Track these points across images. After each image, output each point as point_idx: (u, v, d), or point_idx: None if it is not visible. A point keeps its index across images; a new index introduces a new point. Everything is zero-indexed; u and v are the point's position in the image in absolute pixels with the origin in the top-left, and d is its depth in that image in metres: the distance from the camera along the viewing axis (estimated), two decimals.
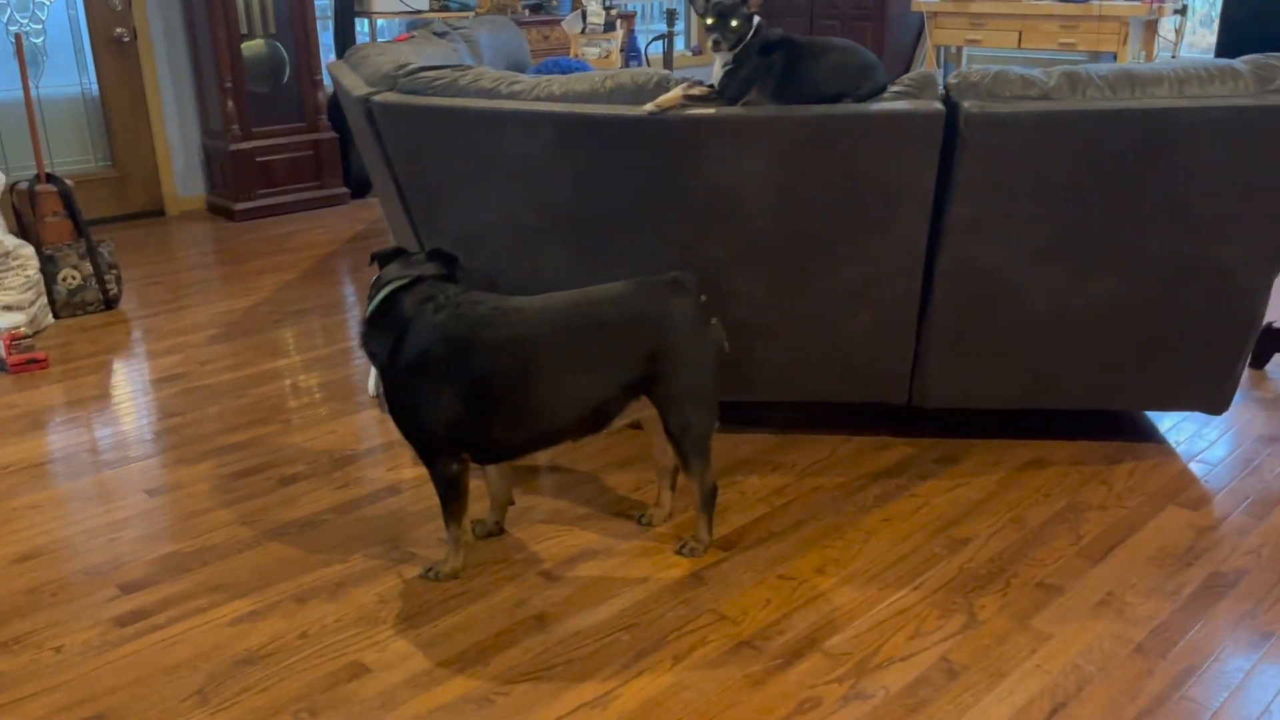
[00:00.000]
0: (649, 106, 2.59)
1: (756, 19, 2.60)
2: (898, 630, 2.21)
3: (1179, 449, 3.01)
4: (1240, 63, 2.56)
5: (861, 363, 2.92)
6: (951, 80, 2.60)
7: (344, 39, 6.14)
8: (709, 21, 2.56)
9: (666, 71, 2.72)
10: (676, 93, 2.60)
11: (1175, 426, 3.14)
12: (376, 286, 2.33)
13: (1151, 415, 3.21)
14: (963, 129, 2.53)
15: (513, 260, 3.04)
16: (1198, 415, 3.17)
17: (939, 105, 2.54)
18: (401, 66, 3.07)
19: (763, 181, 2.63)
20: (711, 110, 2.57)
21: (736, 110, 2.58)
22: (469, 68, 3.00)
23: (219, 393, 3.50)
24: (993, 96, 2.54)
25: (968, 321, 2.80)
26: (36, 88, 5.51)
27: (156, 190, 5.95)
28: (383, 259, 2.38)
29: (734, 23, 2.54)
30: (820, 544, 2.54)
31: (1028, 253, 2.66)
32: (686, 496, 2.58)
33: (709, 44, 2.58)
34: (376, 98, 3.02)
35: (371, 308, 2.31)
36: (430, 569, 2.42)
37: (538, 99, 2.79)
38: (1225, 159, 2.51)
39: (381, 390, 2.90)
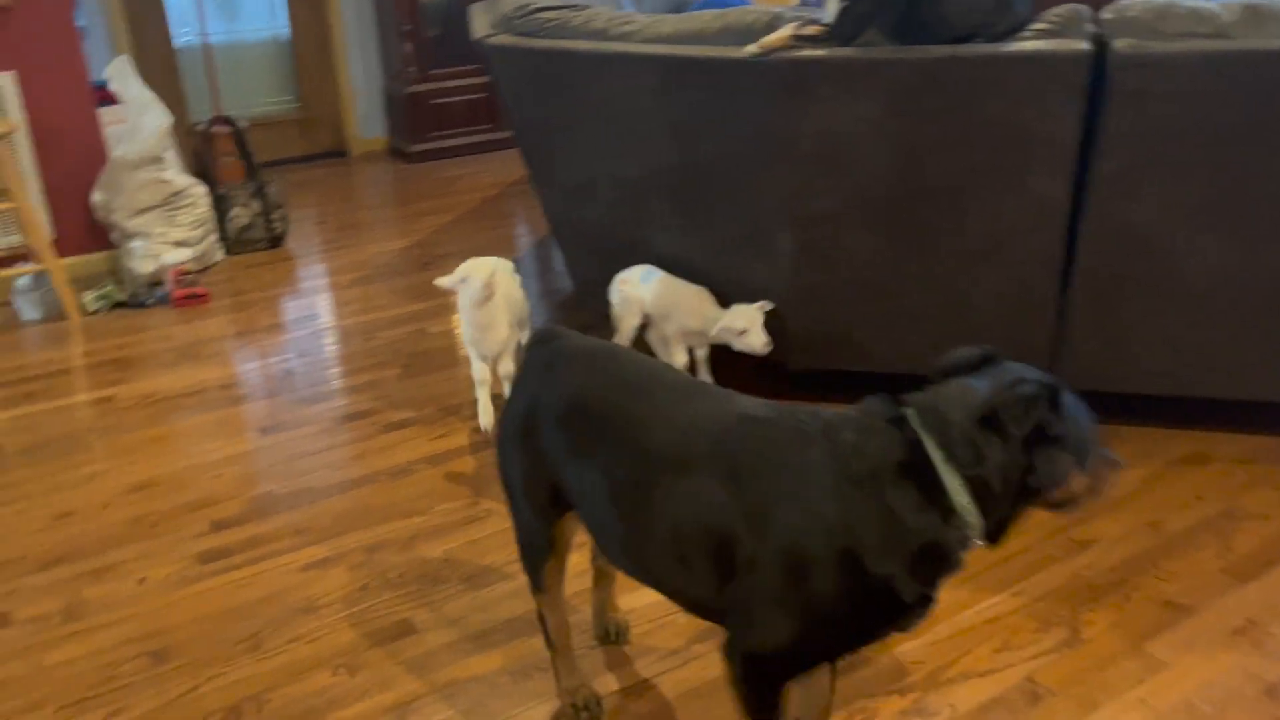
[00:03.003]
0: (751, 48, 2.38)
1: None
2: (983, 641, 1.97)
3: None
4: None
5: (992, 333, 2.62)
6: (1106, 15, 2.25)
7: None
8: None
9: (781, 9, 2.49)
10: (785, 32, 2.38)
11: None
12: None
13: None
14: (1112, 72, 2.19)
15: (618, 212, 2.91)
16: None
17: (1085, 45, 2.20)
18: (520, 7, 2.97)
19: (876, 128, 2.38)
20: (819, 51, 2.34)
21: (846, 51, 2.33)
22: (585, 7, 2.87)
23: (351, 335, 3.58)
24: (1154, 33, 2.18)
25: (1117, 292, 2.45)
26: (233, 32, 5.80)
27: (340, 132, 6.18)
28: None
29: None
30: None
31: (1188, 214, 2.29)
32: None
33: None
34: (492, 40, 2.95)
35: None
36: None
37: (644, 40, 2.63)
38: None
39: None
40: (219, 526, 2.47)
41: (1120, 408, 2.74)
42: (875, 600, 1.34)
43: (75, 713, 1.90)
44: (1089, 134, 2.28)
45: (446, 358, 3.34)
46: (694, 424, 1.43)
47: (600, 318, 3.44)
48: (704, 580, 1.42)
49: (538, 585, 1.76)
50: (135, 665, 2.01)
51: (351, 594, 2.20)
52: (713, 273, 2.81)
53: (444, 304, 3.81)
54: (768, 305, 2.69)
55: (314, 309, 3.85)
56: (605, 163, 2.82)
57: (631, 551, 1.50)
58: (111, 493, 2.63)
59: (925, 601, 1.37)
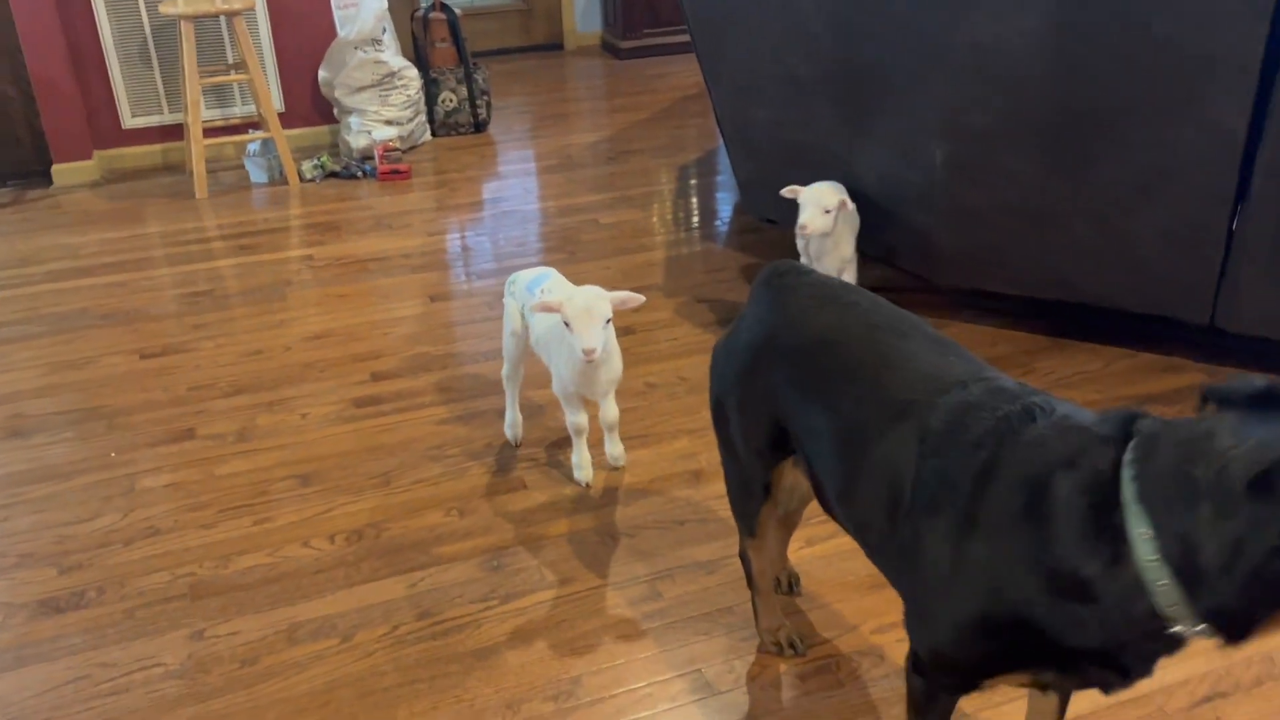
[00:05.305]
0: None
1: None
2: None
3: None
4: None
5: (1153, 269, 2.49)
6: None
7: None
8: None
9: None
10: None
11: None
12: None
13: None
14: None
15: (785, 112, 2.92)
16: None
17: None
18: None
19: (1036, 42, 2.28)
20: None
21: None
22: None
23: (529, 219, 3.78)
24: None
25: None
26: None
27: (559, 25, 6.34)
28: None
29: None
30: None
31: None
32: None
33: None
34: None
35: None
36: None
37: None
38: None
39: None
40: (377, 377, 2.73)
41: None
42: (1012, 616, 1.15)
43: (231, 516, 2.21)
44: (1272, 58, 2.10)
45: (609, 248, 3.48)
46: (928, 375, 1.31)
47: (761, 221, 3.48)
48: (878, 534, 1.33)
49: (750, 530, 1.67)
50: (285, 485, 2.30)
51: (476, 449, 2.41)
52: (870, 183, 2.79)
53: (620, 197, 3.94)
54: (846, 202, 2.66)
55: (502, 192, 4.07)
56: (771, 62, 2.83)
57: (844, 498, 1.39)
58: (295, 338, 2.96)
59: (1097, 656, 1.12)
